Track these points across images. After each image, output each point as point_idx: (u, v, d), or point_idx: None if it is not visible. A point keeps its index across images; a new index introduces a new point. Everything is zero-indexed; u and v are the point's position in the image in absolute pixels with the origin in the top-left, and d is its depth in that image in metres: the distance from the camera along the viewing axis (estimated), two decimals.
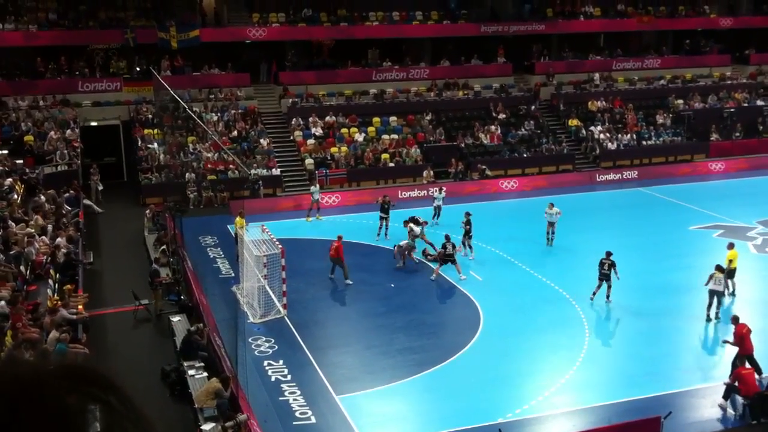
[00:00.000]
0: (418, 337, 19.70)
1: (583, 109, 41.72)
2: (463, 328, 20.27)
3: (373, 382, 17.33)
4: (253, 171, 32.93)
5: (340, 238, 23.38)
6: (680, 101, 43.16)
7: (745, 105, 43.70)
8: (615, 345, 19.68)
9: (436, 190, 29.96)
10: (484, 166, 35.59)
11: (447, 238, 23.75)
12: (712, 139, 41.00)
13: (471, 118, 39.75)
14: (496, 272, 24.43)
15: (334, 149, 35.96)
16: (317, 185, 30.60)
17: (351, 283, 23.06)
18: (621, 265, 21.34)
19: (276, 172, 34.20)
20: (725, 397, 15.83)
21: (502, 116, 39.83)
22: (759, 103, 44.18)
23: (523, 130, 39.28)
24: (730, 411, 15.75)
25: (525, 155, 37.88)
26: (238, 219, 24.23)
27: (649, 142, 40.28)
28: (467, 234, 25.38)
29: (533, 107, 40.74)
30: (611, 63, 44.88)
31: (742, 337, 16.66)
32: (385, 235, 27.21)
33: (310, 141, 36.32)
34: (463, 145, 37.59)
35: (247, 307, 20.97)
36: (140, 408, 1.26)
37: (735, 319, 17.21)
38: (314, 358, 18.34)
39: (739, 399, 15.58)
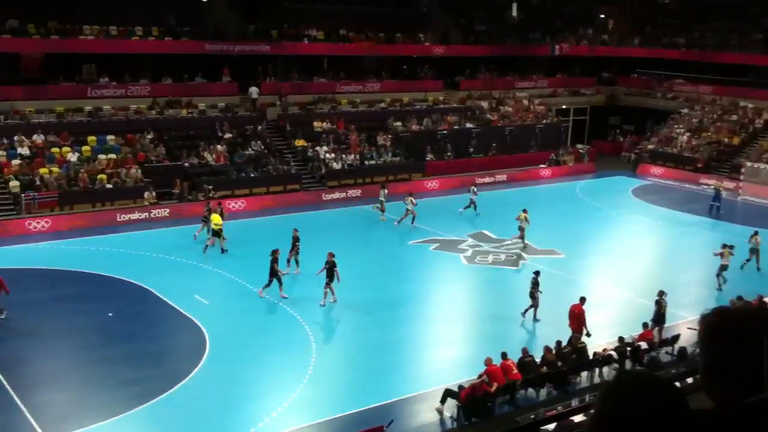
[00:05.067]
0: (139, 368, 18.58)
1: (309, 130, 42.48)
2: (187, 354, 19.48)
3: (90, 419, 16.08)
4: None
5: None
6: (399, 123, 45.51)
7: (456, 128, 47.14)
8: (342, 359, 19.92)
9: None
10: (210, 186, 34.74)
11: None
12: (427, 159, 43.67)
13: (195, 137, 38.75)
14: (225, 295, 23.85)
15: (43, 170, 33.10)
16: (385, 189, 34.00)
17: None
18: (349, 281, 21.72)
19: None
20: (442, 401, 16.59)
21: (228, 136, 39.30)
22: (468, 125, 47.86)
23: (250, 150, 39.04)
24: (446, 414, 16.55)
25: (252, 175, 37.64)
26: (214, 216, 27.22)
27: (372, 162, 41.93)
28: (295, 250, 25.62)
29: (260, 127, 40.70)
30: (335, 86, 46.24)
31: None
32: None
33: (16, 161, 33.14)
34: (187, 164, 36.49)
35: None
36: None
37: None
38: (20, 398, 16.67)
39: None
